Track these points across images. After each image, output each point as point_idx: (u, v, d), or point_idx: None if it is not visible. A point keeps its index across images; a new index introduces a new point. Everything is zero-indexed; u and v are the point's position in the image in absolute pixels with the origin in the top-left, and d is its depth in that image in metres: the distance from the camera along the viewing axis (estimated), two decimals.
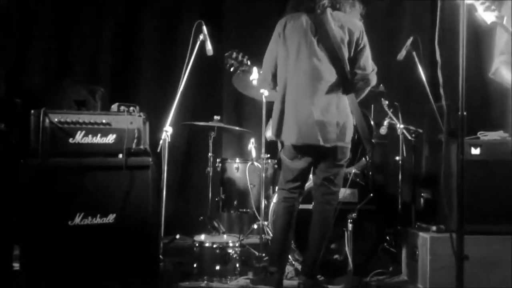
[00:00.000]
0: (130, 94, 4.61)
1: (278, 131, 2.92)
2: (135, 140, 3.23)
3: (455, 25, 1.90)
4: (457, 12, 1.86)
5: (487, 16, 2.07)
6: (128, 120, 3.18)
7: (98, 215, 2.98)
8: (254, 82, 3.21)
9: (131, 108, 3.43)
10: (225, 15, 5.07)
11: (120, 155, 3.13)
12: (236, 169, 4.20)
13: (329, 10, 2.89)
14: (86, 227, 2.94)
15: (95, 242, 2.95)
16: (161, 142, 3.40)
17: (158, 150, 3.43)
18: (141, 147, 3.36)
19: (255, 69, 3.19)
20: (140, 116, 3.36)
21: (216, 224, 4.27)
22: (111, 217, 3.01)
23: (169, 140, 3.48)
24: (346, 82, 2.88)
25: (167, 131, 3.45)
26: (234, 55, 3.20)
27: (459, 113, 1.85)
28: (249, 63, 3.20)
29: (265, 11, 4.82)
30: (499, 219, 3.40)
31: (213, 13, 4.93)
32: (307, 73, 2.85)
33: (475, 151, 3.49)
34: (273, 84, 3.03)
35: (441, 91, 2.14)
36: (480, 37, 2.55)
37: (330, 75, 2.85)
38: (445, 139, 3.07)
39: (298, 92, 2.86)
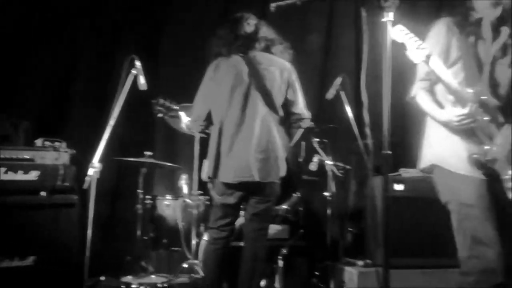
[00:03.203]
0: (58, 129, 4.43)
1: (215, 171, 2.91)
2: (60, 177, 3.10)
3: (379, 67, 1.99)
4: (382, 54, 1.95)
5: (416, 55, 2.14)
6: (53, 156, 3.07)
7: (17, 258, 2.81)
8: (184, 127, 3.22)
9: (57, 143, 3.31)
10: (161, 51, 5.07)
11: (44, 193, 2.99)
12: (167, 206, 4.12)
13: (260, 52, 2.98)
14: (3, 270, 2.76)
15: (12, 286, 2.76)
16: (88, 178, 3.28)
17: (85, 187, 3.30)
18: (67, 184, 3.23)
19: (182, 114, 3.22)
20: (66, 151, 3.24)
21: (144, 264, 4.13)
22: (30, 259, 2.84)
23: (97, 177, 3.37)
24: (279, 121, 2.96)
25: (95, 167, 3.34)
26: (161, 101, 3.21)
27: (383, 151, 1.92)
28: (176, 108, 3.22)
29: (200, 48, 4.86)
30: (423, 253, 3.55)
31: (149, 49, 4.91)
32: (240, 112, 2.90)
33: (399, 187, 3.65)
34: (205, 125, 3.05)
35: (367, 130, 2.23)
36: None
37: (263, 114, 2.92)
38: (370, 176, 3.19)
39: (233, 131, 2.90)
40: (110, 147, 3.56)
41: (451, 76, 2.29)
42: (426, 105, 2.42)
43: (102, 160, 3.36)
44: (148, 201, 4.17)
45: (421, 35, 2.36)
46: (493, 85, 2.37)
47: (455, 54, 2.37)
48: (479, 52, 2.37)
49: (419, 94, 2.44)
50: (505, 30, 2.38)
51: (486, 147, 2.26)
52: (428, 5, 5.34)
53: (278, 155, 2.92)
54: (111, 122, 3.36)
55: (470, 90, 2.25)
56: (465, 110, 2.23)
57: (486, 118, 2.26)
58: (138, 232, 4.07)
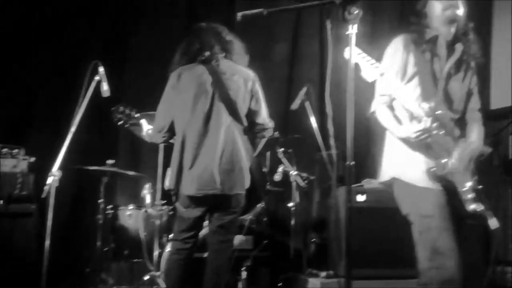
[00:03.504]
0: (17, 135, 4.29)
1: (177, 182, 2.87)
2: (18, 185, 3.00)
3: (343, 78, 2.01)
4: (345, 67, 1.97)
5: (370, 74, 2.19)
6: (11, 163, 2.97)
7: None
8: (145, 136, 3.16)
9: (15, 150, 3.21)
10: (127, 56, 5.00)
11: (0, 202, 2.88)
12: (129, 216, 4.04)
13: (222, 60, 2.97)
14: None
15: None
16: (47, 187, 3.19)
17: (44, 195, 3.21)
18: (24, 192, 3.13)
19: (143, 122, 3.15)
20: (25, 159, 3.15)
21: (104, 276, 4.03)
22: None
23: (57, 185, 3.28)
24: (243, 131, 2.94)
25: (55, 175, 3.26)
26: (121, 109, 3.13)
27: (347, 162, 1.94)
28: (137, 115, 3.16)
29: (167, 55, 4.81)
30: (384, 263, 3.59)
31: (114, 54, 4.83)
32: (204, 123, 2.87)
33: (361, 198, 3.69)
34: (168, 135, 3.00)
35: (332, 141, 2.24)
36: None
37: (227, 124, 2.90)
38: (334, 187, 3.22)
39: (196, 142, 2.86)
40: (72, 154, 3.48)
41: (408, 92, 2.35)
42: (385, 121, 2.47)
43: (62, 168, 3.28)
44: (109, 211, 4.08)
45: (382, 49, 2.42)
46: (448, 100, 2.44)
47: (411, 70, 2.43)
48: (434, 68, 2.44)
49: (378, 109, 2.49)
50: (459, 47, 2.47)
51: (443, 161, 2.32)
52: (390, 19, 5.49)
53: (242, 166, 2.90)
54: (72, 129, 3.29)
55: (425, 105, 2.30)
56: (421, 126, 2.28)
57: (441, 132, 2.32)
58: (98, 243, 3.98)
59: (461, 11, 2.41)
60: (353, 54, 2.12)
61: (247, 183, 2.91)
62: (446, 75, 2.44)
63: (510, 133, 5.15)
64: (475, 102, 2.57)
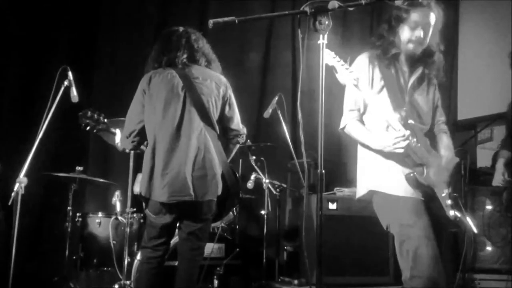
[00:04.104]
0: None
1: (149, 189, 2.82)
2: None
3: (314, 87, 2.03)
4: (317, 74, 1.98)
5: (344, 78, 2.23)
6: None
7: None
8: (118, 144, 3.10)
9: None
10: (96, 62, 4.93)
11: None
12: (98, 224, 3.97)
13: (194, 65, 2.95)
14: None
15: None
16: (13, 194, 3.11)
17: (10, 203, 3.13)
18: None
19: (118, 132, 3.07)
20: None
21: (72, 285, 3.95)
22: None
23: (23, 192, 3.20)
24: (215, 136, 2.92)
25: (21, 182, 3.18)
26: (89, 114, 3.05)
27: (318, 170, 1.95)
28: (105, 120, 3.09)
29: (136, 62, 4.78)
30: (355, 271, 3.62)
31: (83, 60, 4.76)
32: (176, 128, 2.84)
33: (332, 206, 3.72)
34: (138, 141, 2.95)
35: (303, 149, 2.25)
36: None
37: (200, 129, 2.87)
38: (305, 195, 3.23)
39: (167, 147, 2.82)
40: (39, 161, 3.41)
41: (380, 101, 2.38)
42: (358, 134, 2.49)
43: (30, 175, 3.21)
44: (78, 219, 4.01)
45: (352, 59, 2.45)
46: (415, 113, 2.49)
47: (378, 84, 2.47)
48: (399, 80, 2.49)
49: (349, 124, 2.51)
50: (420, 67, 2.52)
51: (420, 168, 2.35)
52: (360, 31, 5.59)
53: (216, 172, 2.87)
54: (40, 134, 3.22)
55: (396, 115, 2.33)
56: (400, 133, 2.30)
57: (414, 140, 2.35)
58: (67, 251, 3.91)
59: (423, 46, 2.45)
60: (329, 58, 2.16)
61: (219, 190, 2.89)
62: (410, 88, 2.50)
63: (477, 143, 5.30)
64: (440, 115, 2.64)
